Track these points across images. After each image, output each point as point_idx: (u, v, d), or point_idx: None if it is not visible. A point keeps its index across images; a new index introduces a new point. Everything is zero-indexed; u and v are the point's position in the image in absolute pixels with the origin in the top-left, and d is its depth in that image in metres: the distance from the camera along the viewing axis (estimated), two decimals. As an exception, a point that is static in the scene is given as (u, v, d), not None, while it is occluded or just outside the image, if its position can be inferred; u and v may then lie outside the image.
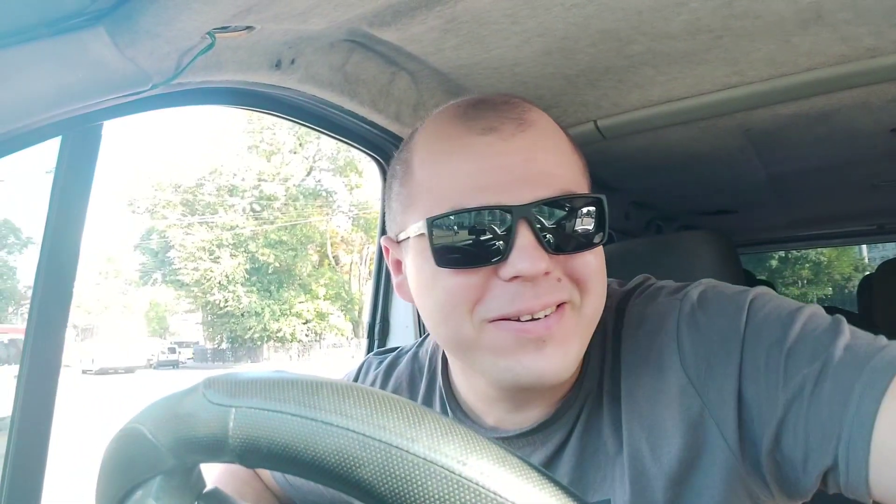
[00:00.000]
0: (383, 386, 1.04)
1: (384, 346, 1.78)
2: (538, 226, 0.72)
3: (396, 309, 1.81)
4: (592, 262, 0.77)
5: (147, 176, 33.66)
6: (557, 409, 0.84)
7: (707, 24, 1.19)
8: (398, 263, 0.88)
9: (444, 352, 0.97)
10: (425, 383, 1.00)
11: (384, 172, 1.75)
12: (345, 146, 1.73)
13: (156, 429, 0.48)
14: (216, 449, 0.44)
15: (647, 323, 0.82)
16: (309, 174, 34.89)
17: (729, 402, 0.73)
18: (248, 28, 0.97)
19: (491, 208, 0.72)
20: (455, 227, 0.73)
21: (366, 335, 1.84)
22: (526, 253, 0.71)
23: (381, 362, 1.09)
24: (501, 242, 0.72)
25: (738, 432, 0.73)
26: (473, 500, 0.38)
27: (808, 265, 22.41)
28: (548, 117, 0.82)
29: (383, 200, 1.78)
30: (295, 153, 33.94)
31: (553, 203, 0.73)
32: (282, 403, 0.43)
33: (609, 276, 0.84)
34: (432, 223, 0.73)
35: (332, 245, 34.36)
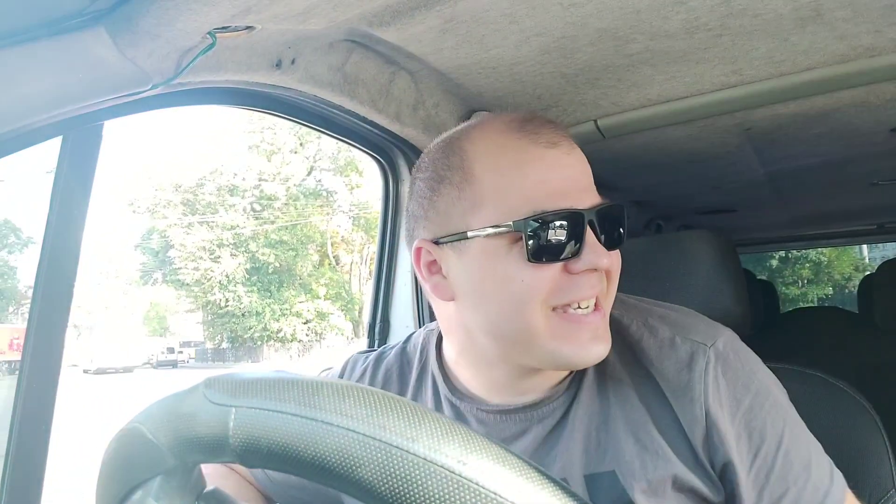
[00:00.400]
0: (372, 377, 1.10)
1: (384, 345, 1.79)
2: (598, 227, 0.85)
3: (396, 309, 1.81)
4: (619, 259, 0.91)
5: (148, 176, 33.66)
6: (557, 387, 0.94)
7: (705, 22, 1.19)
8: (431, 265, 0.93)
9: (437, 346, 1.06)
10: (416, 374, 1.07)
11: (385, 172, 1.75)
12: (345, 146, 1.73)
13: (156, 428, 0.48)
14: (217, 449, 0.44)
15: (676, 347, 0.92)
16: (309, 174, 34.86)
17: (720, 454, 0.86)
18: (249, 28, 0.97)
19: (569, 211, 0.84)
20: (540, 228, 0.83)
21: (366, 335, 1.84)
22: (595, 250, 0.84)
23: (367, 358, 1.15)
24: (574, 241, 0.84)
25: (717, 478, 0.87)
26: (474, 500, 0.38)
27: (808, 265, 22.38)
28: None
29: (385, 199, 1.79)
30: (295, 153, 33.91)
31: (603, 208, 0.87)
32: (282, 403, 0.43)
33: None
34: (525, 223, 0.83)
35: (332, 245, 34.34)
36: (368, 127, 1.51)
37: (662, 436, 0.88)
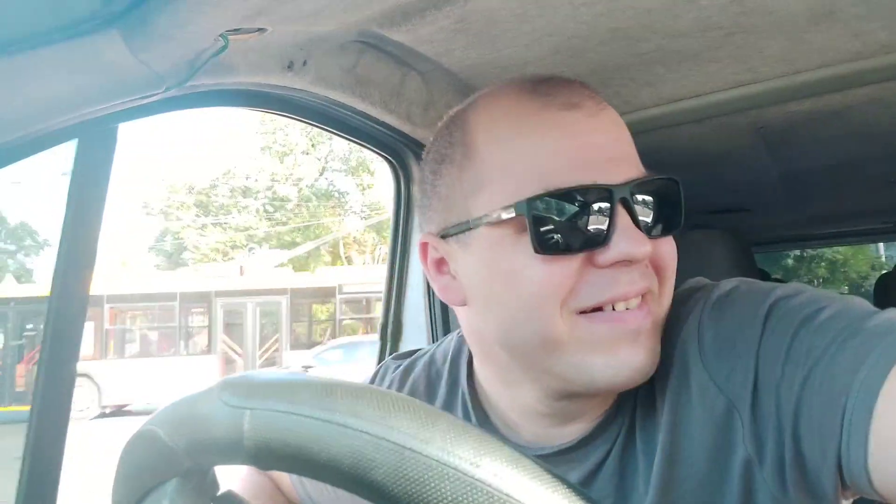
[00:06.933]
0: (400, 387, 0.98)
1: (397, 347, 1.78)
2: (636, 207, 0.67)
3: (409, 310, 1.81)
4: (673, 249, 0.72)
5: (161, 178, 33.89)
6: (598, 424, 0.76)
7: (717, 21, 1.19)
8: (440, 263, 0.78)
9: (469, 360, 0.90)
10: (445, 390, 0.92)
11: (396, 173, 1.75)
12: (357, 147, 1.74)
13: (171, 431, 0.48)
14: (231, 451, 0.45)
15: (676, 326, 0.74)
16: (321, 175, 34.96)
17: (747, 394, 0.66)
18: (260, 30, 0.97)
19: (591, 188, 0.66)
20: (551, 209, 0.66)
21: (378, 336, 1.84)
22: (630, 235, 0.65)
23: (398, 367, 1.02)
24: (600, 226, 0.66)
25: (755, 427, 0.66)
26: (487, 503, 0.38)
27: (823, 263, 22.19)
28: None
29: (397, 200, 1.79)
30: (307, 154, 34.02)
31: (644, 184, 0.69)
32: (296, 405, 0.43)
33: None
34: (529, 204, 0.66)
35: (344, 245, 34.40)
36: (380, 128, 1.51)
37: (687, 461, 0.69)
